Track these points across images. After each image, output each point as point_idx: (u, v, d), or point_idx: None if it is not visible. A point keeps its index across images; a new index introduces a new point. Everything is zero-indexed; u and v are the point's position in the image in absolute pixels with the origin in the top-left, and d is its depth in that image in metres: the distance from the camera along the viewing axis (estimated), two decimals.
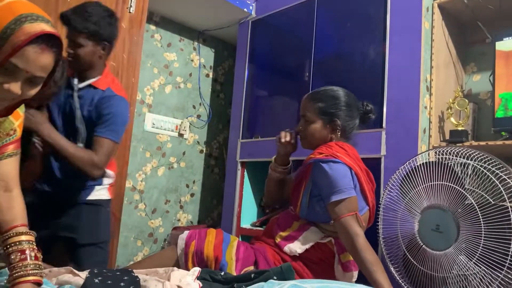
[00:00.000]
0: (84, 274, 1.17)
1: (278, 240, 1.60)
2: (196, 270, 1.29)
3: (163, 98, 3.14)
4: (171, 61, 3.20)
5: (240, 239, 2.52)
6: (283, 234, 1.61)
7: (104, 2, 1.86)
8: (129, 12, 2.26)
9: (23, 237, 1.04)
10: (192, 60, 3.32)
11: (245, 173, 2.82)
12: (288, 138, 1.73)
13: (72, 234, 1.74)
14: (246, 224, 2.76)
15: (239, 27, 3.06)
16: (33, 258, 1.02)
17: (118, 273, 1.23)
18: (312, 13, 2.59)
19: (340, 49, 2.48)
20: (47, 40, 0.92)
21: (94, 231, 1.80)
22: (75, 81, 1.74)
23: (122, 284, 1.14)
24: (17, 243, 1.03)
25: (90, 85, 1.75)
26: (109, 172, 1.83)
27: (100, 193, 1.83)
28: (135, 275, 1.21)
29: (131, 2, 2.28)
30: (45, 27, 0.92)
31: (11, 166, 1.11)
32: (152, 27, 3.09)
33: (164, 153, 3.13)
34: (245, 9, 2.93)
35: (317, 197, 1.59)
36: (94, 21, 1.66)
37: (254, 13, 2.97)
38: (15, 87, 0.92)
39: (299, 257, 1.56)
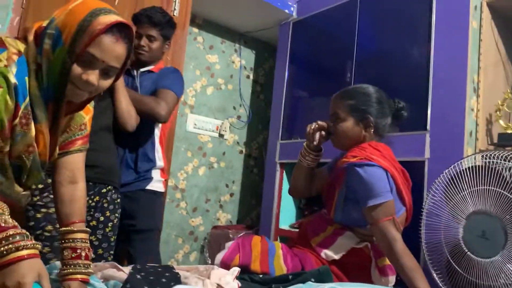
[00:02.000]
0: (127, 270, 1.21)
1: (313, 245, 1.57)
2: (236, 270, 1.30)
3: (205, 99, 3.19)
4: (212, 63, 3.25)
5: (279, 241, 2.54)
6: (318, 239, 1.58)
7: (149, 5, 1.93)
8: (173, 15, 2.32)
9: (78, 235, 1.08)
10: (233, 62, 3.36)
11: (284, 174, 2.82)
12: (313, 127, 1.67)
13: (132, 221, 1.86)
14: (284, 225, 2.76)
15: (280, 29, 3.06)
16: (83, 258, 1.06)
17: (160, 269, 1.26)
18: (354, 13, 2.56)
19: (382, 49, 2.43)
20: (121, 31, 0.97)
21: (151, 218, 1.93)
22: (134, 71, 1.96)
23: (163, 280, 1.17)
24: (71, 240, 1.07)
25: (149, 71, 1.97)
26: (162, 164, 1.98)
27: (157, 185, 1.95)
28: (176, 271, 1.24)
29: (175, 5, 2.33)
30: (118, 18, 0.97)
31: (79, 159, 1.16)
32: (195, 30, 3.15)
33: (205, 153, 3.19)
34: (286, 10, 2.93)
35: (353, 201, 1.54)
36: (167, 19, 1.94)
37: (295, 14, 2.97)
38: (93, 78, 0.97)
39: (336, 262, 1.54)
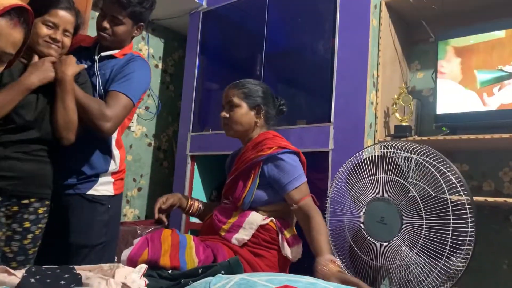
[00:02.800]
0: (20, 273, 1.10)
1: (223, 233, 1.60)
2: (143, 267, 1.25)
3: None
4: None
5: (189, 233, 2.50)
6: (226, 227, 1.62)
7: None
8: None
9: None
10: (140, 50, 3.22)
11: (195, 166, 2.78)
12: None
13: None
14: (195, 218, 2.73)
15: (190, 18, 3.00)
16: None
17: (58, 270, 1.17)
18: (263, 7, 2.58)
19: (291, 44, 2.49)
20: (19, 14, 0.86)
21: (87, 231, 1.67)
22: (95, 55, 1.70)
23: (62, 282, 1.09)
24: None
25: (111, 56, 1.72)
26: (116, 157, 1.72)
27: (102, 188, 1.70)
28: (77, 272, 1.16)
29: None
30: (17, 1, 0.86)
31: None
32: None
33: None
34: (196, 0, 2.88)
35: (265, 187, 1.64)
36: (139, 5, 1.67)
37: (205, 3, 2.93)
38: None
39: (247, 245, 1.58)
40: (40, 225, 1.55)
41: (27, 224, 1.51)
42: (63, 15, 1.48)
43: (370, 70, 2.10)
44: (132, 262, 1.38)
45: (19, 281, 1.03)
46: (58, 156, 1.59)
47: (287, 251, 1.58)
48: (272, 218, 1.62)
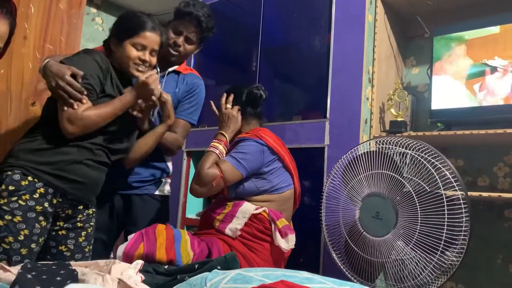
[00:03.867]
0: (16, 270, 1.10)
1: (217, 224, 1.63)
2: (139, 263, 1.25)
3: None
4: None
5: (185, 229, 2.51)
6: (220, 217, 1.65)
7: None
8: None
9: None
10: None
11: (191, 162, 2.78)
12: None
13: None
14: (191, 214, 2.73)
15: None
16: None
17: (54, 267, 1.17)
18: (259, 2, 2.58)
19: (287, 39, 2.49)
20: (1, 5, 0.85)
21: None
22: (158, 68, 1.82)
23: (58, 278, 1.08)
24: None
25: (174, 71, 1.88)
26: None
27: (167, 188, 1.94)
28: (73, 268, 1.16)
29: None
30: None
31: None
32: (93, 10, 2.95)
33: None
34: None
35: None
36: (212, 26, 1.85)
37: None
38: None
39: (241, 236, 1.60)
40: (92, 223, 1.59)
41: (79, 224, 1.54)
42: (150, 36, 1.57)
43: (366, 66, 2.10)
44: (128, 257, 1.39)
45: (15, 277, 1.02)
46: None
47: (280, 241, 1.60)
48: (264, 208, 1.65)
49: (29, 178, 1.40)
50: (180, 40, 1.81)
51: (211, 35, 1.89)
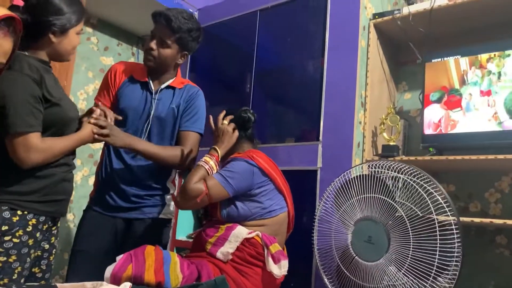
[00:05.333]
0: None
1: (208, 247, 1.61)
2: (127, 285, 1.22)
3: None
4: (107, 66, 3.08)
5: (175, 251, 2.47)
6: (212, 240, 1.63)
7: None
8: None
9: None
10: None
11: (183, 182, 2.75)
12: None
13: None
14: (182, 236, 2.70)
15: None
16: None
17: None
18: (254, 26, 2.61)
19: (281, 63, 2.51)
20: (8, 24, 0.86)
21: None
22: (150, 83, 1.84)
23: None
24: None
25: (168, 87, 1.85)
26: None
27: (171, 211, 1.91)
28: None
29: None
30: (5, 11, 0.86)
31: None
32: (89, 30, 2.97)
33: (96, 161, 3.00)
34: None
35: (238, 198, 1.68)
36: (189, 29, 1.77)
37: None
38: None
39: (232, 260, 1.58)
40: (56, 237, 1.57)
41: (53, 240, 1.52)
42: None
43: (359, 90, 2.12)
44: (116, 279, 1.35)
45: None
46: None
47: (272, 267, 1.58)
48: (258, 232, 1.63)
49: (19, 212, 1.35)
50: (153, 43, 1.76)
51: (189, 38, 1.79)
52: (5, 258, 1.32)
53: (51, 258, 1.53)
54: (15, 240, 1.34)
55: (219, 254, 1.58)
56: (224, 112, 1.85)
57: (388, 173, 1.68)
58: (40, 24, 1.39)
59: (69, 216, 2.84)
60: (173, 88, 1.86)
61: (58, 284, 1.21)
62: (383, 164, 1.71)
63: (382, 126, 2.15)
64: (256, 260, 1.59)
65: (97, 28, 3.02)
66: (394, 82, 2.48)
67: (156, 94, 1.83)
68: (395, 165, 1.67)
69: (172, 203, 1.89)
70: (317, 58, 2.30)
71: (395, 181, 1.67)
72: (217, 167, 1.72)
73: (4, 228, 1.32)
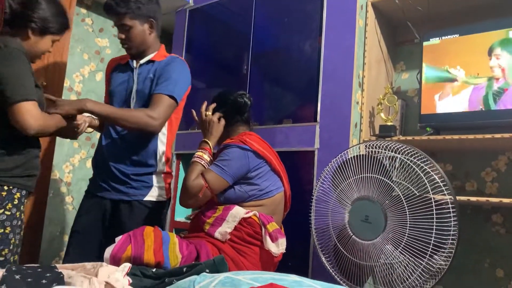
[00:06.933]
0: (0, 272, 1.08)
1: (207, 228, 1.63)
2: (127, 265, 1.23)
3: (94, 85, 2.99)
4: (103, 47, 3.05)
5: (174, 232, 2.49)
6: (210, 221, 1.65)
7: None
8: None
9: None
10: None
11: (181, 165, 2.76)
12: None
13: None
14: (180, 217, 2.71)
15: (176, 15, 2.98)
16: None
17: (39, 269, 1.15)
18: (250, 6, 2.58)
19: (278, 43, 2.49)
20: None
21: None
22: (133, 62, 1.87)
23: (44, 281, 1.07)
24: None
25: (149, 61, 1.86)
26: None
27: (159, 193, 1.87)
28: (59, 271, 1.14)
29: None
30: None
31: None
32: (83, 11, 2.92)
33: (94, 143, 2.99)
34: None
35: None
36: (133, 0, 1.75)
37: (192, 1, 2.91)
38: None
39: (231, 240, 1.59)
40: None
41: (23, 215, 1.56)
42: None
43: (356, 70, 2.11)
44: (115, 259, 1.37)
45: (1, 279, 1.01)
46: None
47: (270, 245, 1.60)
48: (255, 212, 1.65)
49: (5, 187, 1.43)
50: (119, 34, 1.81)
51: (138, 5, 1.76)
52: (2, 230, 1.40)
53: (22, 232, 1.56)
54: (6, 212, 1.42)
55: (217, 234, 1.59)
56: (205, 103, 1.85)
57: (385, 153, 1.69)
58: (23, 17, 1.49)
59: (68, 198, 2.84)
60: (154, 61, 1.86)
61: (58, 265, 1.22)
62: (381, 144, 1.72)
63: (379, 106, 2.14)
64: (254, 239, 1.61)
65: (92, 9, 2.98)
66: (391, 62, 2.46)
67: (136, 69, 1.86)
68: (392, 145, 1.68)
69: (162, 184, 1.88)
70: (314, 38, 2.28)
71: (392, 161, 1.68)
72: (212, 159, 1.72)
73: None
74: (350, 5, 2.16)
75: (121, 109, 1.76)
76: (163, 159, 1.87)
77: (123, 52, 1.93)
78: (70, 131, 1.70)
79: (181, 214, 2.73)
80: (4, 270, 1.11)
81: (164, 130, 1.86)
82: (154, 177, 1.84)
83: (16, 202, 1.45)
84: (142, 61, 1.87)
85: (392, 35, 2.46)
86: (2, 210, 1.40)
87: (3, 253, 1.40)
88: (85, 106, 1.63)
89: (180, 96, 1.81)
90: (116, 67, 1.96)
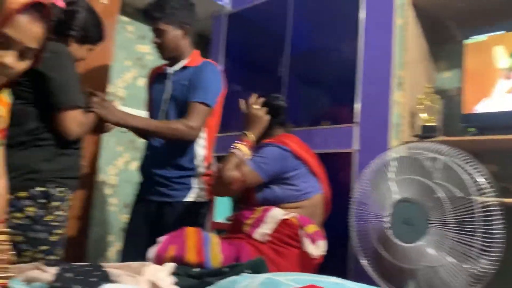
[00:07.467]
0: (53, 270, 1.14)
1: (246, 229, 1.65)
2: (171, 265, 1.27)
3: (136, 91, 3.08)
4: (144, 53, 3.14)
5: (214, 233, 2.53)
6: (249, 222, 1.67)
7: None
8: (102, 2, 2.20)
9: None
10: None
11: (215, 165, 2.80)
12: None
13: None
14: (220, 218, 2.75)
15: (214, 21, 3.03)
16: (3, 262, 0.99)
17: (88, 268, 1.20)
18: (287, 9, 2.59)
19: (314, 44, 2.49)
20: (38, 9, 0.90)
21: None
22: (169, 69, 1.92)
23: (93, 279, 1.12)
24: None
25: (184, 67, 1.90)
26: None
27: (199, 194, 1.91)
28: (106, 270, 1.19)
29: None
30: None
31: None
32: (125, 19, 3.03)
33: (138, 147, 3.08)
34: (220, 3, 2.91)
35: (272, 182, 1.71)
36: (169, 6, 1.81)
37: (230, 6, 2.95)
38: (10, 60, 0.90)
39: (270, 241, 1.60)
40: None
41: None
42: None
43: (395, 70, 2.08)
44: (159, 259, 1.42)
45: (54, 277, 1.06)
46: None
47: (309, 247, 1.60)
48: (294, 213, 1.65)
49: (62, 188, 1.47)
50: (154, 38, 1.88)
51: (172, 11, 1.82)
52: (61, 231, 1.47)
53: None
54: (64, 213, 1.49)
55: (256, 235, 1.61)
56: (255, 96, 1.86)
57: (427, 154, 1.65)
58: (66, 25, 1.55)
59: (113, 200, 2.95)
60: (189, 67, 1.90)
61: (104, 264, 1.27)
62: (422, 146, 1.68)
63: (420, 106, 2.10)
64: (293, 241, 1.62)
65: (133, 17, 3.08)
66: (432, 61, 2.41)
67: (172, 76, 1.91)
68: (434, 146, 1.64)
69: (202, 186, 1.92)
70: (351, 38, 2.26)
71: (434, 162, 1.64)
72: (250, 152, 1.74)
73: (55, 204, 1.44)
74: (387, 4, 2.13)
75: (158, 121, 1.84)
76: (203, 162, 1.92)
77: (161, 58, 1.99)
78: (98, 129, 1.79)
79: (221, 215, 2.77)
80: (57, 268, 1.17)
81: (203, 134, 1.90)
82: (194, 179, 1.89)
83: (67, 202, 1.51)
84: (176, 68, 1.92)
85: (433, 33, 2.40)
86: (61, 212, 1.46)
87: (60, 252, 1.46)
88: (129, 122, 1.72)
89: (213, 101, 1.85)
90: (155, 76, 2.03)
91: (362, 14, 2.21)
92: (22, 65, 0.94)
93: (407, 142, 1.99)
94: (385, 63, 2.10)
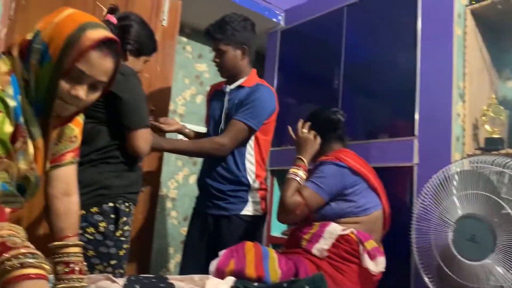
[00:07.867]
0: (122, 281, 1.21)
1: (304, 244, 1.65)
2: (231, 279, 1.31)
3: (195, 107, 3.20)
4: (201, 72, 3.26)
5: (271, 247, 2.55)
6: (307, 237, 1.67)
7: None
8: (162, 25, 2.33)
9: (71, 249, 1.08)
10: None
11: (275, 181, 2.82)
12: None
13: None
14: (276, 232, 2.77)
15: (268, 37, 3.09)
16: (76, 272, 1.06)
17: (154, 280, 1.26)
18: (341, 21, 2.59)
19: (370, 57, 2.47)
20: (108, 46, 0.97)
21: None
22: (226, 87, 1.99)
23: None
24: (65, 254, 1.06)
25: (239, 86, 1.96)
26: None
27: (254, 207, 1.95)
28: (171, 282, 1.25)
29: (163, 15, 2.34)
30: (107, 33, 0.97)
31: (72, 172, 1.15)
32: (184, 39, 3.16)
33: (196, 161, 3.19)
34: (274, 19, 2.96)
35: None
36: (230, 27, 1.89)
37: (283, 23, 3.00)
38: (82, 93, 0.97)
39: (329, 257, 1.60)
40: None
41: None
42: None
43: (456, 81, 2.02)
44: (220, 272, 1.45)
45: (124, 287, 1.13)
46: None
47: (368, 263, 1.57)
48: (352, 229, 1.64)
49: (127, 204, 1.54)
50: (214, 58, 1.95)
51: (233, 32, 1.88)
52: (128, 246, 1.54)
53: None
54: (130, 228, 1.56)
55: (315, 251, 1.61)
56: (301, 121, 1.88)
57: (492, 168, 1.59)
58: (122, 40, 1.59)
59: (173, 213, 3.05)
60: (244, 87, 1.95)
61: (169, 276, 1.33)
62: (487, 159, 1.62)
63: (483, 117, 2.02)
64: (351, 257, 1.60)
65: (191, 37, 3.21)
66: (495, 70, 2.31)
67: (227, 94, 1.97)
68: (499, 160, 1.57)
69: (257, 199, 1.95)
70: (409, 49, 2.22)
71: (500, 176, 1.57)
72: (306, 176, 1.76)
73: (123, 219, 1.51)
74: (446, 14, 2.08)
75: (189, 141, 1.97)
76: (254, 177, 1.95)
77: (220, 76, 2.06)
78: None
79: (277, 229, 2.79)
80: (125, 279, 1.24)
81: (251, 151, 1.95)
82: (248, 193, 1.93)
83: (132, 217, 1.59)
84: (232, 87, 1.98)
85: (495, 41, 2.31)
86: (128, 227, 1.53)
87: (124, 265, 1.53)
88: (163, 146, 1.82)
89: (255, 122, 1.87)
90: (214, 93, 2.11)
91: (420, 24, 2.17)
92: (92, 97, 1.02)
93: (469, 156, 1.92)
94: (446, 73, 2.04)
